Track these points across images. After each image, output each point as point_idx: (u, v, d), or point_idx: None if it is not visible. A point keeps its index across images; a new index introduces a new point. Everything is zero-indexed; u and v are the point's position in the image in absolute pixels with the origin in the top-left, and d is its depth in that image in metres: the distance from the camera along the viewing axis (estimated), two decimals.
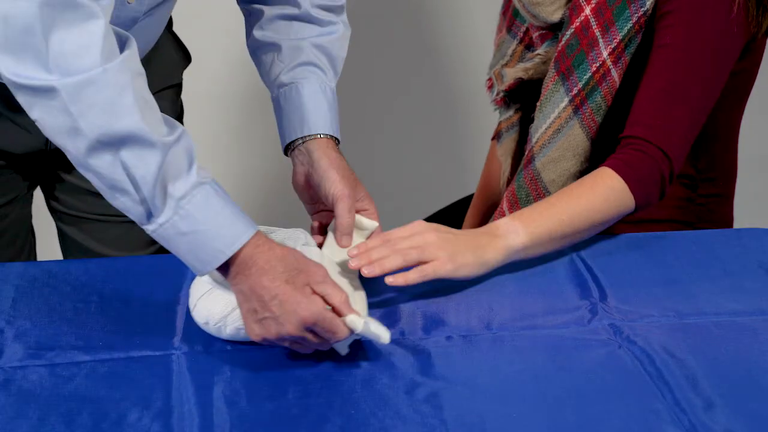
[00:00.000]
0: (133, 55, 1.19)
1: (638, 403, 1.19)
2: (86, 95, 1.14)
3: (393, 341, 1.28)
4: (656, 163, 1.46)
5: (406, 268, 1.32)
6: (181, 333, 1.30)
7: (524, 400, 1.20)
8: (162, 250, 1.75)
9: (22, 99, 1.17)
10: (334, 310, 1.22)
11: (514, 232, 1.40)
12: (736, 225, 1.72)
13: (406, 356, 1.26)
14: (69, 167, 1.65)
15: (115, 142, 1.16)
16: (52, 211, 1.74)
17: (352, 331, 1.22)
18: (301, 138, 1.46)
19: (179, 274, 1.40)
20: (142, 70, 1.21)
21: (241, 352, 1.27)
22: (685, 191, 1.65)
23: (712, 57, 1.50)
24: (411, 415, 1.17)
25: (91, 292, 1.37)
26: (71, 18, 1.14)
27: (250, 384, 1.21)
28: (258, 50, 1.55)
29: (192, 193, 1.19)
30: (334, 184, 1.39)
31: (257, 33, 1.54)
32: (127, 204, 1.19)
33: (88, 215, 1.70)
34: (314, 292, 1.22)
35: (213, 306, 1.27)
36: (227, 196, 1.22)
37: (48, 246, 1.89)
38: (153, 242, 1.74)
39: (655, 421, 1.16)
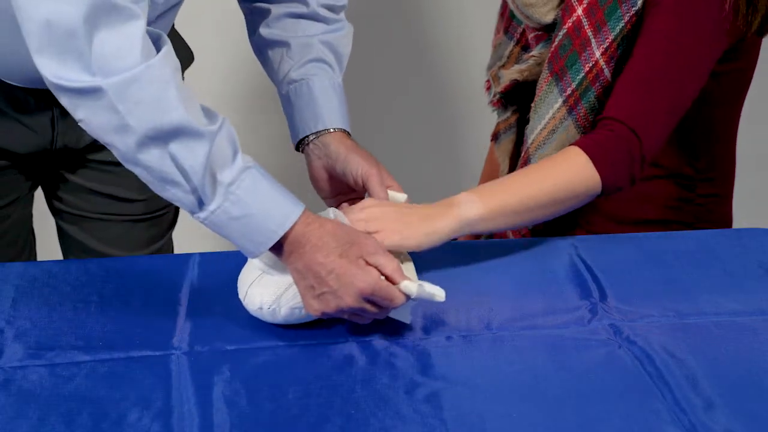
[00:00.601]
0: (170, 51, 1.21)
1: (638, 403, 1.19)
2: (132, 93, 1.16)
3: (392, 341, 1.29)
4: (625, 144, 1.45)
5: None
6: (180, 333, 1.30)
7: (524, 400, 1.20)
8: (161, 250, 1.75)
9: (66, 101, 1.19)
10: (388, 278, 1.25)
11: (469, 203, 1.38)
12: (736, 225, 1.72)
13: (406, 356, 1.26)
14: (72, 167, 1.65)
15: (163, 136, 1.18)
16: (53, 210, 1.74)
17: (408, 297, 1.26)
18: (315, 133, 1.47)
19: (179, 274, 1.40)
20: (179, 65, 1.23)
21: (241, 352, 1.27)
22: (684, 192, 1.65)
23: (699, 49, 1.49)
24: (411, 415, 1.17)
25: (91, 292, 1.37)
26: (114, 20, 1.16)
27: (250, 384, 1.21)
28: (265, 48, 1.56)
29: (240, 178, 1.22)
30: (360, 165, 1.43)
31: (264, 31, 1.55)
32: (177, 195, 1.22)
33: (89, 214, 1.70)
34: (368, 264, 1.25)
35: (265, 290, 1.29)
36: (271, 176, 1.25)
37: (48, 246, 1.89)
38: (153, 242, 1.74)
39: (655, 421, 1.16)
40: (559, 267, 1.45)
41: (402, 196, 1.43)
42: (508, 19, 1.75)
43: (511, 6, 1.66)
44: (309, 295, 1.26)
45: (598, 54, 1.53)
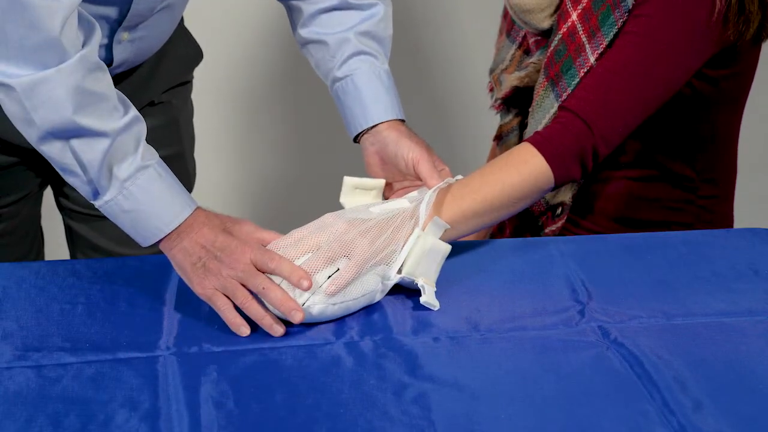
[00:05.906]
0: (92, 50, 1.28)
1: (627, 404, 1.19)
2: (37, 93, 1.25)
3: (380, 343, 1.28)
4: (575, 136, 1.47)
5: None
6: (167, 334, 1.29)
7: (512, 401, 1.20)
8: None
9: None
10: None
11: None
12: (737, 225, 1.72)
13: (393, 357, 1.26)
14: None
15: (63, 133, 1.27)
16: (61, 208, 1.75)
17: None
18: (366, 129, 1.52)
19: (166, 276, 1.40)
20: (100, 63, 1.30)
21: (229, 353, 1.27)
22: (685, 193, 1.65)
23: (670, 51, 1.50)
24: (399, 416, 1.16)
25: (78, 293, 1.37)
26: (30, 18, 1.23)
27: (237, 385, 1.21)
28: (306, 46, 1.59)
29: (135, 176, 1.30)
30: (410, 149, 1.46)
31: (302, 31, 1.58)
32: (76, 183, 1.32)
33: (97, 212, 1.70)
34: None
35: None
36: (170, 177, 1.33)
37: (53, 247, 1.89)
38: None
39: (644, 423, 1.16)
40: (547, 268, 1.45)
41: (379, 182, 1.47)
42: (510, 22, 1.75)
43: (510, 12, 1.66)
44: (196, 272, 1.31)
45: (592, 59, 1.53)
